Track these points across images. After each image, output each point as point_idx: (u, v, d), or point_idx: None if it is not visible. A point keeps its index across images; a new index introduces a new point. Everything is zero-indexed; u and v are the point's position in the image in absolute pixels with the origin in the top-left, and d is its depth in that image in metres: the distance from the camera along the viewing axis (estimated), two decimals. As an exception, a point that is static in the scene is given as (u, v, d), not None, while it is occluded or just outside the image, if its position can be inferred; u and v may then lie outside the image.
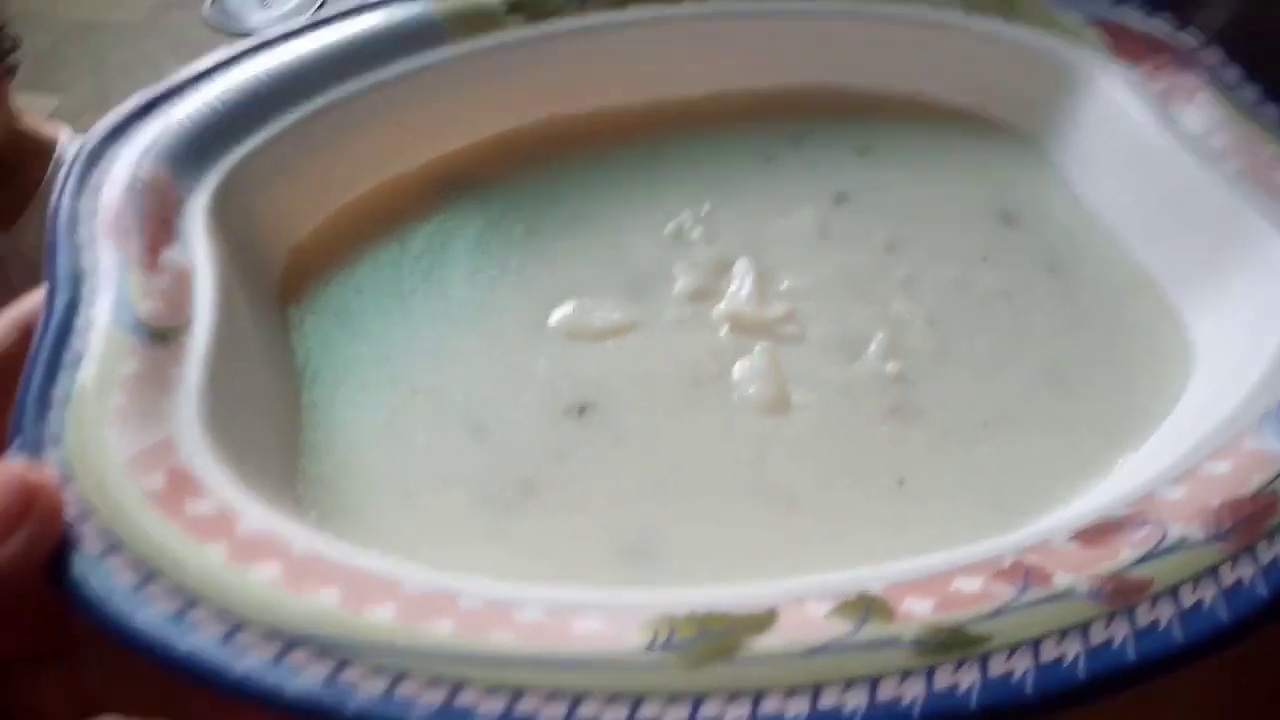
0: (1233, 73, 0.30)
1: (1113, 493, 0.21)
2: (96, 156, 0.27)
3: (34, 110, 1.01)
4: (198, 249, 0.26)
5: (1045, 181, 0.32)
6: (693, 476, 0.25)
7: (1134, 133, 0.30)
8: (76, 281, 0.24)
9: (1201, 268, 0.28)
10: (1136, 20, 0.32)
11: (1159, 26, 0.32)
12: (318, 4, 1.94)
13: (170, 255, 0.25)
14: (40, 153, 0.95)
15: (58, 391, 0.21)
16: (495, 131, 0.34)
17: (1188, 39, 0.31)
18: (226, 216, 0.27)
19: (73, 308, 0.23)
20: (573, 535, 0.24)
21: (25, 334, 0.22)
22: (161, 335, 0.23)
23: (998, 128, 0.34)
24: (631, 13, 0.34)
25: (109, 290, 0.24)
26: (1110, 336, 0.28)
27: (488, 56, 0.33)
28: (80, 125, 1.59)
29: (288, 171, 0.30)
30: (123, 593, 0.18)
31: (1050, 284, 0.29)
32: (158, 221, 0.26)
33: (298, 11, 1.94)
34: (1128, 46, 0.31)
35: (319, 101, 0.30)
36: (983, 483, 0.25)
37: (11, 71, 0.92)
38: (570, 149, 0.34)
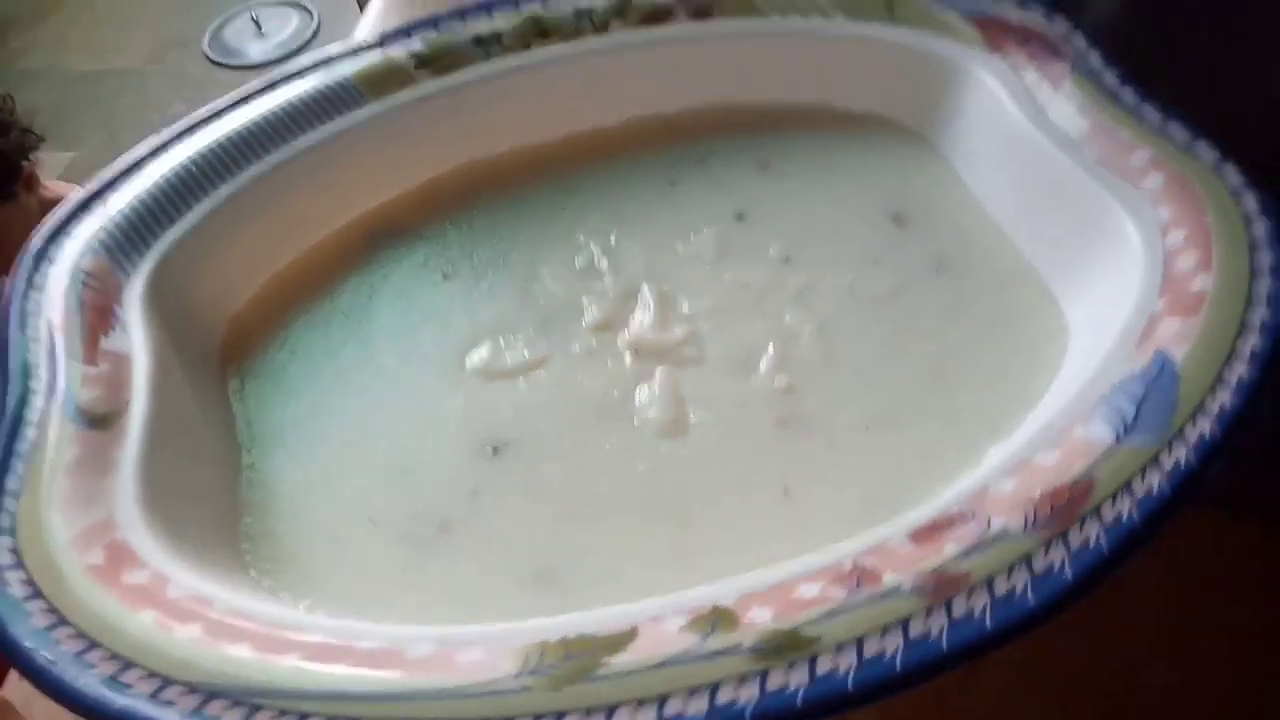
0: (1096, 56, 0.31)
1: (962, 486, 0.23)
2: (42, 255, 0.30)
3: (49, 168, 1.07)
4: (134, 334, 0.28)
5: (937, 178, 0.34)
6: (595, 503, 0.27)
7: (1008, 124, 0.31)
8: (27, 375, 0.26)
9: (1074, 255, 0.29)
10: (1011, 11, 0.33)
11: (1032, 16, 0.33)
12: (312, 32, 1.98)
13: (109, 343, 0.28)
14: None
15: (10, 482, 0.24)
16: (417, 182, 0.36)
17: (1058, 26, 0.32)
18: (163, 297, 0.30)
19: (23, 400, 0.26)
20: (485, 568, 0.26)
21: None
22: (101, 420, 0.26)
23: (892, 128, 0.35)
24: (536, 54, 0.36)
25: (54, 382, 0.26)
26: (992, 328, 0.30)
27: (403, 112, 0.35)
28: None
29: (220, 246, 0.32)
30: (66, 660, 0.21)
31: (937, 281, 0.31)
32: (97, 312, 0.28)
33: (294, 41, 1.97)
34: (1001, 39, 0.33)
35: (244, 175, 0.33)
36: (863, 484, 0.27)
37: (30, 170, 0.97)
38: (490, 191, 0.36)
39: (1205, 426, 0.22)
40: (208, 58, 2.01)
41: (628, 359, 0.30)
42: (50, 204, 0.99)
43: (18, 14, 2.12)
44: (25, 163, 0.96)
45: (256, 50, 2.02)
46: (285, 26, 2.05)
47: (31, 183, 0.97)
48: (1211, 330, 0.24)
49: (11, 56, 2.01)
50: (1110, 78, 0.30)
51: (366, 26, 0.53)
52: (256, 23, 2.07)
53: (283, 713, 0.20)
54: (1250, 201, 0.26)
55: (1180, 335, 0.24)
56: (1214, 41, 0.31)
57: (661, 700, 0.19)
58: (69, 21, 2.12)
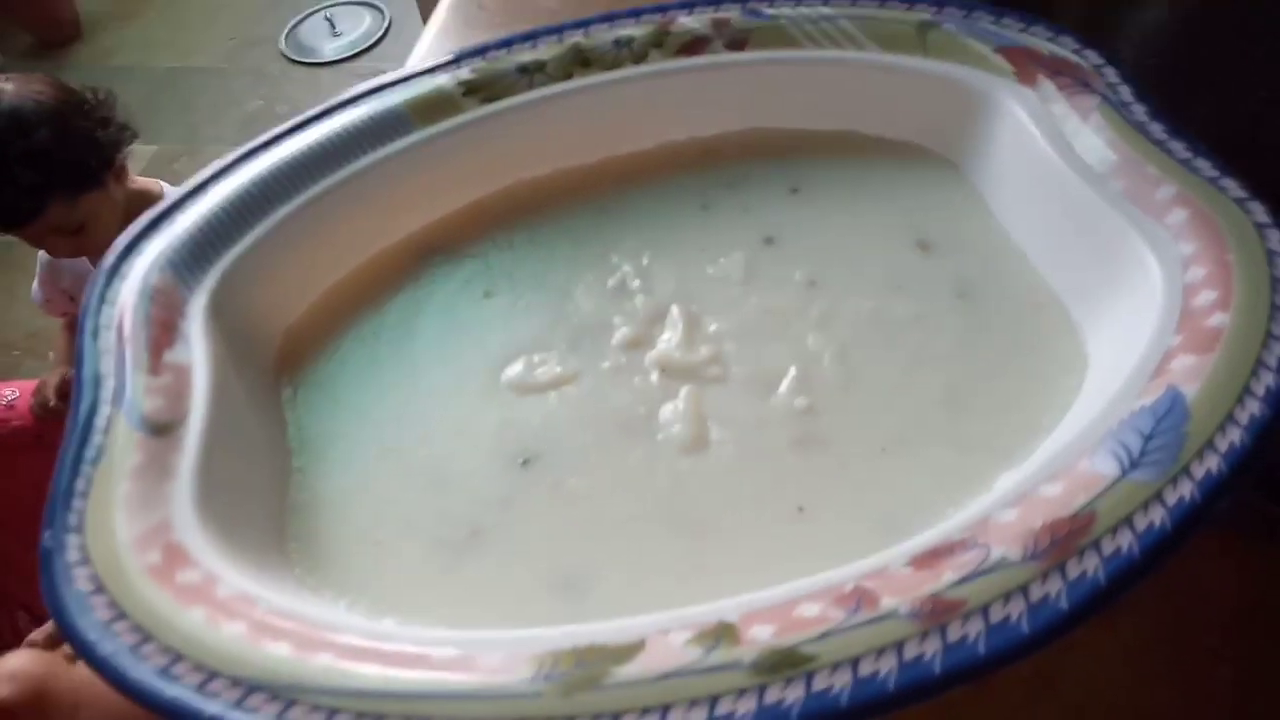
0: (1127, 90, 0.31)
1: (967, 514, 0.24)
2: (114, 271, 0.32)
3: (134, 159, 1.12)
4: (195, 347, 0.30)
5: (963, 206, 0.34)
6: (618, 514, 0.28)
7: (1035, 155, 0.32)
8: (97, 385, 0.29)
9: (1096, 286, 0.30)
10: (1042, 43, 0.34)
11: (1064, 47, 0.33)
12: (383, 30, 2.03)
13: (172, 355, 0.30)
14: (149, 209, 1.05)
15: (80, 484, 0.26)
16: (463, 203, 0.38)
17: (1090, 57, 0.33)
18: (223, 311, 0.32)
19: (93, 409, 0.28)
20: (512, 573, 0.27)
21: None
22: (162, 428, 0.28)
23: (922, 156, 0.36)
24: (576, 82, 0.37)
25: (121, 391, 0.28)
26: (1011, 355, 0.30)
27: (450, 137, 0.37)
28: (174, 170, 1.71)
29: (278, 263, 0.34)
30: (123, 653, 0.23)
31: (958, 308, 0.32)
32: (161, 326, 0.31)
33: (365, 39, 2.03)
34: (1032, 70, 0.33)
35: (301, 198, 0.35)
36: (875, 505, 0.27)
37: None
38: (531, 212, 0.37)
39: (1213, 463, 0.23)
40: (284, 55, 2.08)
41: (654, 377, 0.31)
42: (135, 195, 1.04)
43: (108, 14, 2.22)
44: (118, 156, 1.00)
45: (330, 48, 2.08)
46: (358, 25, 2.11)
47: (121, 175, 1.02)
48: (1225, 368, 0.24)
49: (102, 55, 2.10)
50: (1140, 111, 0.31)
51: (423, 50, 0.55)
52: (330, 22, 2.13)
53: (316, 707, 0.22)
54: (1275, 238, 0.27)
55: (1193, 371, 0.24)
56: (1247, 76, 0.31)
57: (664, 710, 0.20)
58: (154, 22, 2.20)
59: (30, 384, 1.07)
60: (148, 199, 1.06)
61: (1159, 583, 0.23)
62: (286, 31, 2.15)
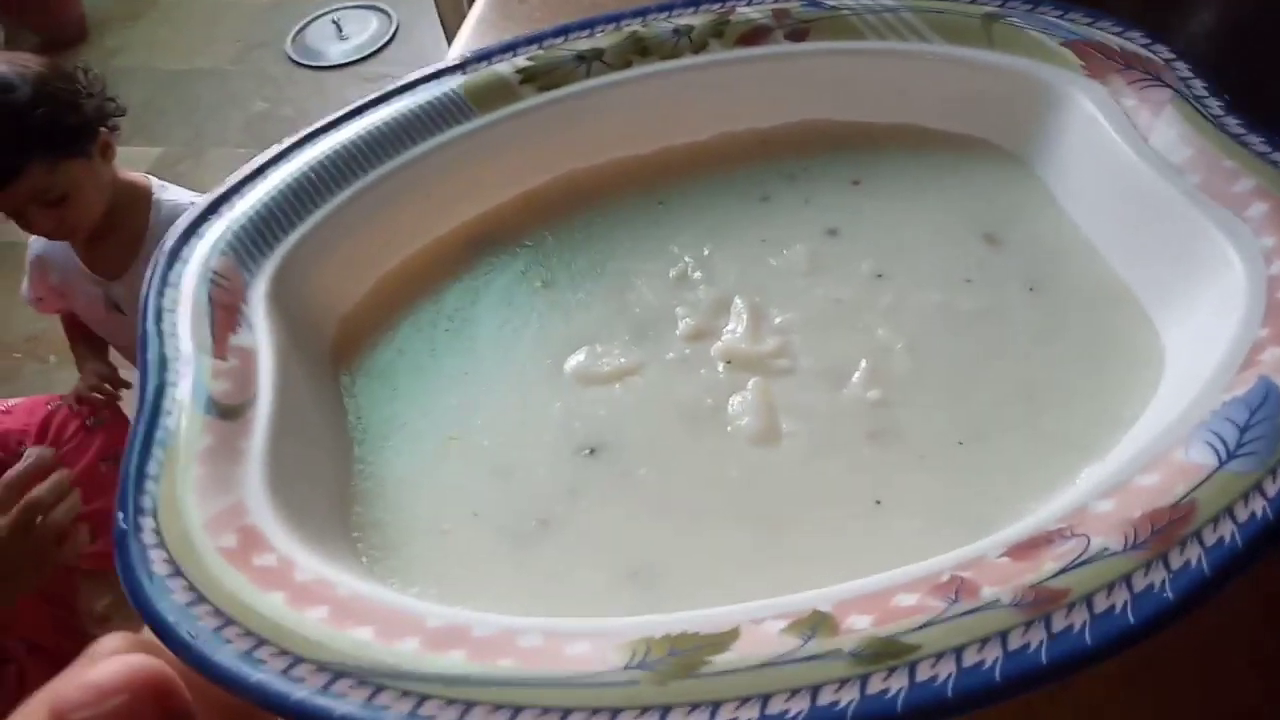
0: (1200, 84, 0.31)
1: (1059, 505, 0.24)
2: (175, 255, 0.32)
3: (138, 161, 1.12)
4: (259, 331, 0.30)
5: (1031, 199, 0.34)
6: (689, 506, 0.28)
7: (1107, 149, 0.31)
8: (163, 368, 0.28)
9: (1172, 280, 0.29)
10: (1111, 37, 0.34)
11: (1133, 41, 0.33)
12: (390, 35, 2.03)
13: (237, 339, 0.30)
14: (137, 202, 1.04)
15: (150, 467, 0.26)
16: (519, 192, 0.37)
17: (1160, 52, 0.33)
18: (283, 298, 0.32)
19: (160, 391, 0.28)
20: (582, 564, 0.27)
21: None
22: (231, 411, 0.28)
23: (986, 149, 0.36)
24: (634, 70, 0.37)
25: (188, 375, 0.28)
26: (1086, 349, 0.30)
27: (507, 125, 0.36)
28: (179, 170, 1.70)
29: (334, 250, 0.34)
30: (206, 636, 0.22)
31: (1030, 301, 0.31)
32: (224, 309, 0.30)
33: (372, 43, 2.03)
34: (1101, 65, 0.33)
35: (358, 184, 0.34)
36: (955, 499, 0.27)
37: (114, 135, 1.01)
38: (588, 202, 0.37)
39: (1311, 456, 0.22)
40: (289, 58, 2.08)
41: (720, 368, 0.31)
42: (124, 186, 1.04)
43: (113, 16, 2.21)
44: (103, 129, 0.99)
45: (336, 52, 2.08)
46: (365, 29, 2.11)
47: (106, 151, 1.00)
48: (1317, 358, 0.24)
49: (106, 55, 2.09)
50: (1214, 105, 0.30)
51: (460, 45, 0.55)
52: (337, 25, 2.13)
53: (405, 693, 0.21)
54: (1358, 231, 0.26)
55: (1284, 363, 0.24)
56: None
57: (764, 699, 0.20)
58: (159, 22, 2.20)
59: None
60: (136, 191, 1.05)
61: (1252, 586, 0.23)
62: (292, 35, 2.15)
